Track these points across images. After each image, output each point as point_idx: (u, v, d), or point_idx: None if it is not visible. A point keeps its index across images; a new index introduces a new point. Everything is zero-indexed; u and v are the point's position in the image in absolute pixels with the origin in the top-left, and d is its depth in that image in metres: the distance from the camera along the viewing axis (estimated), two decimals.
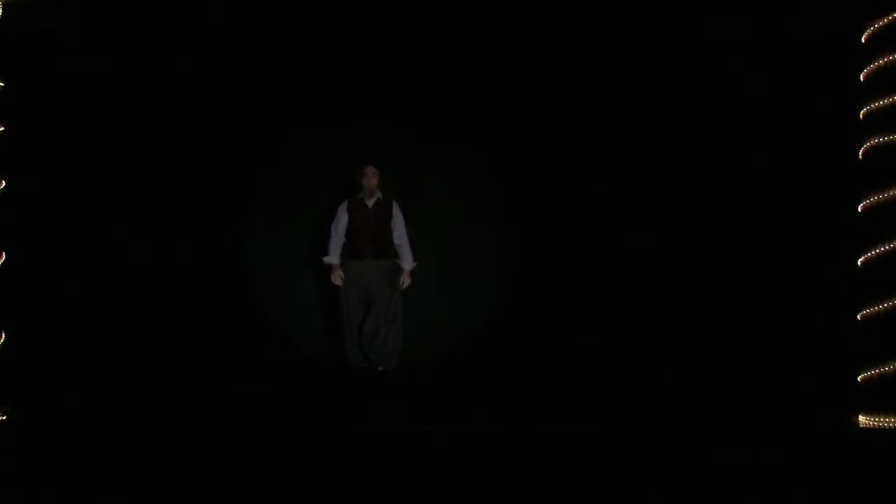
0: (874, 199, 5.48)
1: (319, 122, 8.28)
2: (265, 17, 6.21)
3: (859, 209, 5.58)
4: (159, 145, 8.30)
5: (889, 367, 5.41)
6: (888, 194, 5.43)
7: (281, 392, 6.94)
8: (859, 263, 5.58)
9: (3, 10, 5.65)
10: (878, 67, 5.49)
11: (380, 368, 7.19)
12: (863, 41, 5.61)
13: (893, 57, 5.44)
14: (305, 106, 8.30)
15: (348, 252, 7.37)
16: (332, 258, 7.40)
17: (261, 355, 8.08)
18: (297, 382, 7.40)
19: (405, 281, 7.37)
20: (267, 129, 8.31)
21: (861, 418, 5.51)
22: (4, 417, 5.54)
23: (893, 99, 5.43)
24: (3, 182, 5.63)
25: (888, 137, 5.45)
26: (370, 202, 7.41)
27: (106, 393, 6.68)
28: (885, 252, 5.44)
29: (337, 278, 7.35)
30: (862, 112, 5.60)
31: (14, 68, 5.81)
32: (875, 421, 5.43)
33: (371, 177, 7.41)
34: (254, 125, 8.28)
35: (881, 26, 5.48)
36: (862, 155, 5.59)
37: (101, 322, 7.67)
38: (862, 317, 5.55)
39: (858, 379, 5.57)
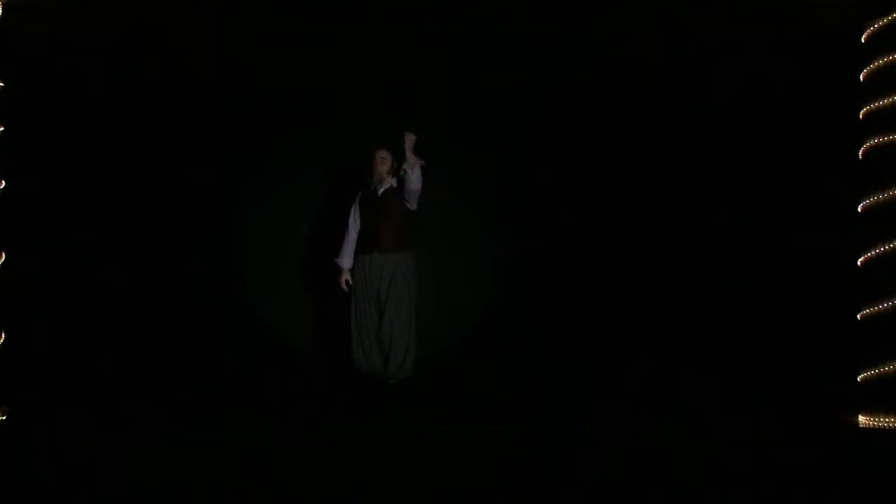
0: (874, 199, 5.48)
1: (315, 122, 8.28)
2: (263, 16, 6.21)
3: (859, 209, 5.58)
4: (158, 145, 8.31)
5: (889, 367, 5.41)
6: (888, 194, 5.42)
7: (278, 394, 6.94)
8: (859, 263, 5.58)
9: (3, 10, 5.65)
10: (878, 67, 5.49)
11: (391, 382, 6.73)
12: (863, 41, 5.60)
13: (893, 57, 5.43)
14: (302, 104, 8.30)
15: (358, 248, 6.84)
16: (340, 261, 6.88)
17: (258, 356, 8.08)
18: (293, 383, 7.39)
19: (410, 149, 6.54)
20: (265, 129, 8.31)
21: (861, 418, 5.51)
22: (4, 417, 5.54)
23: (893, 99, 5.43)
24: (3, 182, 5.63)
25: (888, 137, 5.44)
26: (380, 190, 6.82)
27: (104, 393, 6.68)
28: (885, 252, 5.43)
29: (343, 283, 6.86)
30: (862, 112, 5.60)
31: (14, 68, 5.81)
32: (875, 421, 5.43)
33: (379, 162, 6.80)
34: (252, 125, 8.28)
35: (881, 26, 5.47)
36: (862, 155, 5.59)
37: (100, 322, 7.67)
38: (862, 317, 5.54)
39: (858, 379, 5.57)
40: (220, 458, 5.34)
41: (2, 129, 5.67)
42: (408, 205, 6.69)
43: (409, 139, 6.55)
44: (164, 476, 5.31)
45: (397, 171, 6.74)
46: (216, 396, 6.65)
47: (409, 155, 6.54)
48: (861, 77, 5.61)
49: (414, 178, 6.57)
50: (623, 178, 8.26)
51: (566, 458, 5.32)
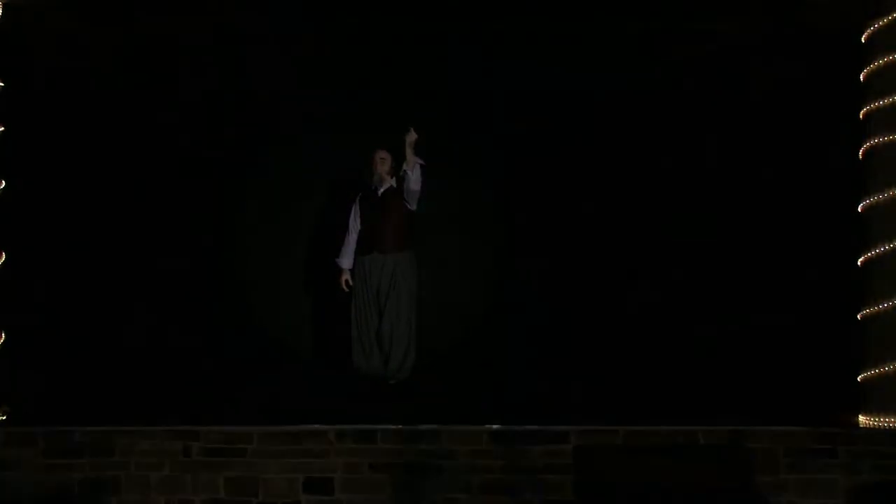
0: (874, 199, 5.48)
1: (315, 122, 8.27)
2: (264, 16, 6.20)
3: (859, 209, 5.57)
4: (159, 145, 8.31)
5: (889, 367, 5.41)
6: (888, 194, 5.42)
7: (276, 393, 6.94)
8: (859, 263, 5.57)
9: (3, 10, 5.64)
10: (878, 67, 5.49)
11: (391, 382, 6.66)
12: (863, 41, 5.60)
13: (893, 57, 5.43)
14: (302, 104, 8.30)
15: (358, 248, 6.76)
16: (341, 261, 6.80)
17: (258, 356, 8.07)
18: (293, 384, 7.40)
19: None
20: (265, 129, 8.31)
21: (861, 418, 5.51)
22: (4, 417, 5.55)
23: (893, 99, 5.42)
24: (3, 182, 5.63)
25: (888, 137, 5.44)
26: (380, 190, 6.74)
27: (103, 392, 6.69)
28: (885, 252, 5.43)
29: (343, 283, 6.78)
30: (862, 112, 5.60)
31: (14, 68, 5.80)
32: (875, 421, 5.43)
33: (379, 163, 6.72)
34: (252, 125, 8.28)
35: (881, 26, 5.47)
36: (862, 155, 5.59)
37: (99, 322, 7.67)
38: (862, 317, 5.54)
39: (858, 379, 5.56)
40: (221, 457, 5.34)
41: (2, 129, 5.66)
42: (408, 205, 6.67)
43: (410, 138, 6.48)
44: (164, 476, 5.31)
45: (397, 171, 6.73)
46: (216, 396, 6.65)
47: (410, 155, 6.50)
48: (861, 77, 5.61)
49: (413, 179, 6.53)
50: (622, 178, 8.25)
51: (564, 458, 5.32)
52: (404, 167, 6.54)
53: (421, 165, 6.54)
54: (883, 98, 5.45)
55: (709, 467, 5.25)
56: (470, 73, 7.66)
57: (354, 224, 6.84)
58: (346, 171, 7.74)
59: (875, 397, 5.46)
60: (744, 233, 8.16)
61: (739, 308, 8.12)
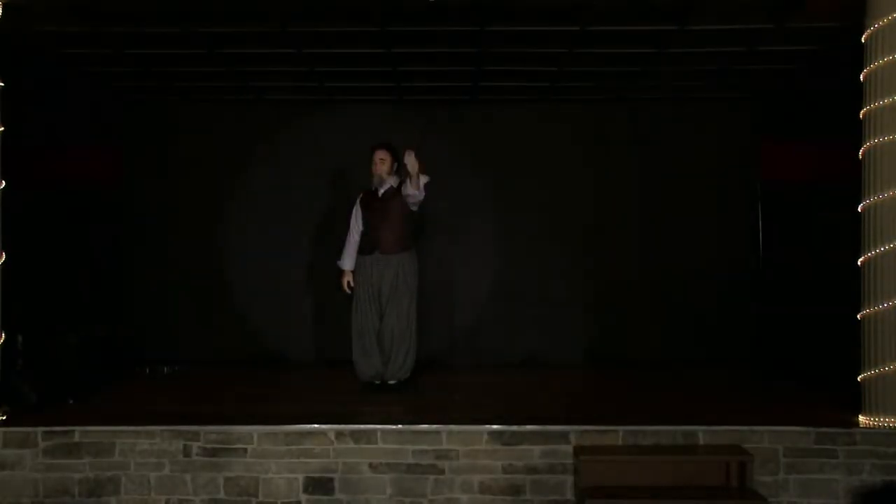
0: (874, 199, 5.48)
1: (316, 122, 8.30)
2: (265, 17, 6.21)
3: (859, 209, 5.57)
4: (158, 144, 8.33)
5: (889, 367, 5.41)
6: (888, 194, 5.42)
7: (276, 393, 6.95)
8: (859, 263, 5.58)
9: (3, 10, 5.64)
10: (878, 67, 5.48)
11: (391, 382, 6.65)
12: (863, 41, 5.60)
13: (893, 57, 5.43)
14: (302, 104, 8.32)
15: (360, 248, 6.69)
16: (342, 262, 6.72)
17: (259, 356, 8.09)
18: (293, 384, 7.41)
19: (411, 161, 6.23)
20: (265, 130, 8.33)
21: (861, 418, 5.51)
22: (4, 417, 5.55)
23: (893, 99, 5.42)
24: (3, 182, 5.63)
25: (888, 137, 5.44)
26: (381, 191, 6.66)
27: (102, 391, 6.69)
28: (885, 252, 5.43)
29: (344, 284, 6.71)
30: (862, 112, 5.60)
31: (14, 68, 5.81)
32: (875, 421, 5.43)
33: (378, 163, 6.63)
34: (248, 125, 8.31)
35: (881, 26, 5.47)
36: (862, 155, 5.58)
37: (98, 321, 7.68)
38: (862, 317, 5.54)
39: (858, 379, 5.57)
40: (221, 458, 5.35)
41: (2, 129, 5.67)
42: (410, 206, 6.60)
43: (410, 161, 6.26)
44: (164, 476, 5.32)
45: (398, 170, 6.67)
46: (216, 396, 6.66)
47: (415, 178, 6.32)
48: (861, 77, 5.61)
49: (421, 192, 6.44)
50: (625, 180, 8.28)
51: (564, 458, 5.33)
52: (409, 184, 6.41)
53: (426, 183, 6.41)
54: (883, 98, 5.45)
55: (709, 467, 5.26)
56: (471, 73, 7.68)
57: (356, 225, 6.78)
58: (347, 172, 7.77)
59: (875, 397, 5.46)
60: (745, 231, 8.18)
61: (739, 307, 8.14)
